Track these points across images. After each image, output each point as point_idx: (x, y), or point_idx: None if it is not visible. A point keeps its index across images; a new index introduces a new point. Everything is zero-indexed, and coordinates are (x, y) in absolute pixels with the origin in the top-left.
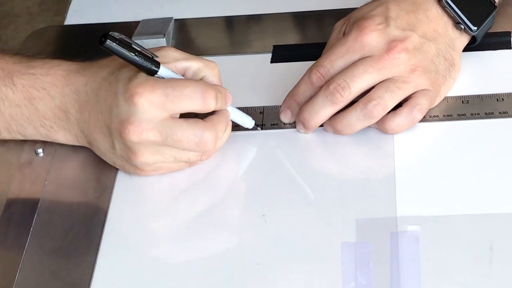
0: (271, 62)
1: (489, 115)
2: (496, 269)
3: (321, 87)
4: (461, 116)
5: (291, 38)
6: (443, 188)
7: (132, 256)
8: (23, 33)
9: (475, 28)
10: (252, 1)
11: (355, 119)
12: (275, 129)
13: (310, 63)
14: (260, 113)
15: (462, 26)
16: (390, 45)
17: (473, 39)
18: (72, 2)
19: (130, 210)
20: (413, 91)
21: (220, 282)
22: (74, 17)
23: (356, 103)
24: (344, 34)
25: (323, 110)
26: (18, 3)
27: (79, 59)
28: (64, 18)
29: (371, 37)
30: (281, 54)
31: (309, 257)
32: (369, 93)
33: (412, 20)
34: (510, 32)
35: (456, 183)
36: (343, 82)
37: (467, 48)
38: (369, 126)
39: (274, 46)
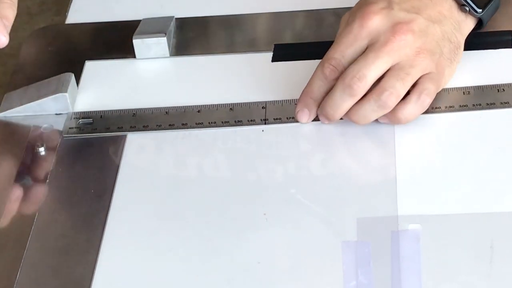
0: (272, 61)
1: (490, 105)
2: (497, 268)
3: (335, 79)
4: (463, 107)
5: (292, 37)
6: (444, 186)
7: (132, 255)
8: (23, 33)
9: (480, 10)
10: (252, 0)
11: (370, 111)
12: (278, 123)
13: (311, 62)
14: (262, 108)
15: (467, 8)
16: (395, 28)
17: (480, 22)
18: (73, 1)
19: (130, 209)
20: (420, 75)
21: (221, 282)
22: (75, 16)
23: (369, 94)
24: None
25: (343, 104)
26: (18, 3)
27: (80, 59)
28: (64, 18)
29: (376, 21)
30: (282, 53)
31: (310, 256)
32: (380, 84)
33: (416, 3)
34: (511, 31)
35: (458, 182)
36: (358, 73)
37: (467, 47)
38: (374, 122)
39: (275, 45)
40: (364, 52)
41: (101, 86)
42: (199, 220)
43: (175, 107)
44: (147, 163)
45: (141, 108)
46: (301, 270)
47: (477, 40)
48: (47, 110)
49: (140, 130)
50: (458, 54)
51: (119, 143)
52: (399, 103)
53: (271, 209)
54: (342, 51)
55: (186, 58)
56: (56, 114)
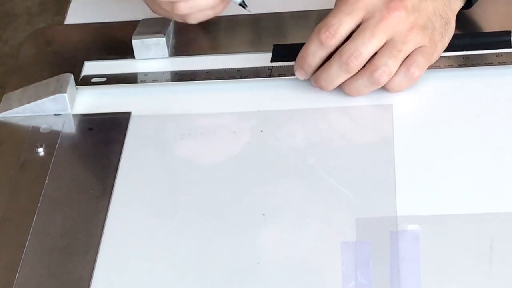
0: (271, 61)
1: (488, 64)
2: (496, 268)
3: (330, 46)
4: (462, 66)
5: (291, 37)
6: (443, 187)
7: (132, 255)
8: (23, 33)
9: None
10: (252, 1)
11: (363, 86)
12: (283, 77)
13: None
14: (268, 69)
15: None
16: (390, 4)
17: (468, 3)
18: (72, 2)
19: (130, 209)
20: (412, 49)
21: (220, 282)
22: (74, 16)
23: (362, 70)
24: None
25: (338, 78)
26: (18, 3)
27: (79, 59)
28: (64, 18)
29: None
30: (281, 53)
31: (309, 257)
32: (373, 61)
33: None
34: (510, 32)
35: (457, 182)
36: (355, 51)
37: (467, 47)
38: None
39: (274, 45)
40: (360, 28)
41: (100, 87)
42: (198, 220)
43: (185, 70)
44: (146, 164)
45: (152, 72)
46: (300, 270)
47: (476, 41)
48: (46, 111)
49: (149, 82)
50: (448, 29)
51: (118, 142)
52: None
53: (270, 209)
54: (340, 19)
55: (185, 58)
56: (55, 114)
